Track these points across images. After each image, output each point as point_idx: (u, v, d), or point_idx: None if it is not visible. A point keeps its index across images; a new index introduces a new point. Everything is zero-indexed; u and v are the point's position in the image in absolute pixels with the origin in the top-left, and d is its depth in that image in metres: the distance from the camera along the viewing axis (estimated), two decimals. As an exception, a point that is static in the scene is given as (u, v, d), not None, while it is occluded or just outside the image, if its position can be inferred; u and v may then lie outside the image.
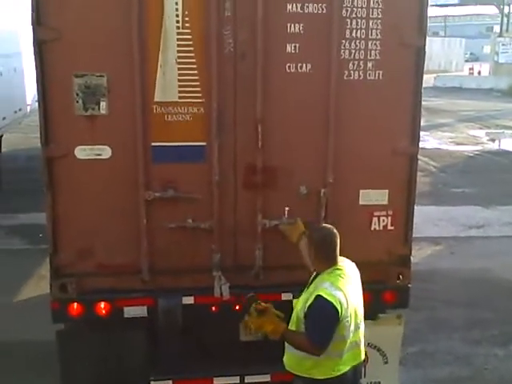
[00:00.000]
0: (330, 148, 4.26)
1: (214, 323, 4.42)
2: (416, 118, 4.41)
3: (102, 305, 4.22)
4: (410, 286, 4.60)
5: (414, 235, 4.64)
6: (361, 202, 4.43)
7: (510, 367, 6.05)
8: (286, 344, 3.74)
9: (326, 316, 3.50)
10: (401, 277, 4.56)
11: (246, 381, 4.43)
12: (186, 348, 4.40)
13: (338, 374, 3.65)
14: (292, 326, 3.73)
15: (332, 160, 4.28)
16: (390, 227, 4.49)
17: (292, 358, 3.75)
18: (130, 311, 4.25)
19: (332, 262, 3.70)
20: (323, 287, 3.56)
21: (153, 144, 4.13)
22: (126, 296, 4.24)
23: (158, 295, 4.26)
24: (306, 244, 3.95)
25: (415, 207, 4.57)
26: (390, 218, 4.48)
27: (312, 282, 3.75)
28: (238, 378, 4.42)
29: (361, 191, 4.42)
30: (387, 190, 4.46)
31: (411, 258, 4.64)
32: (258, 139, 4.16)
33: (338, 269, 3.69)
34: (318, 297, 3.51)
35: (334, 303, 3.47)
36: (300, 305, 3.68)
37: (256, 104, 4.13)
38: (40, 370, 5.41)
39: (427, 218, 10.21)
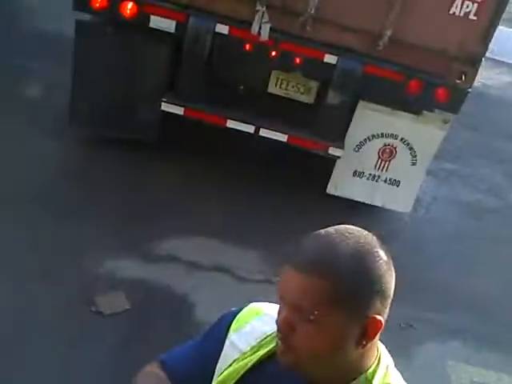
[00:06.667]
0: None
1: (244, 64, 4.01)
2: None
3: (130, 5, 3.80)
4: (469, 90, 3.99)
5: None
6: None
7: None
8: None
9: None
10: (463, 77, 3.93)
11: (260, 133, 4.13)
12: (207, 82, 4.05)
13: None
14: None
15: None
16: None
17: None
18: (157, 22, 3.83)
19: None
20: None
21: None
22: (155, 2, 3.80)
23: (191, 13, 3.80)
24: None
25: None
26: None
27: None
28: (253, 127, 4.11)
29: None
30: None
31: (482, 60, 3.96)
32: None
33: None
34: None
35: None
36: None
37: None
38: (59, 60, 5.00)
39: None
